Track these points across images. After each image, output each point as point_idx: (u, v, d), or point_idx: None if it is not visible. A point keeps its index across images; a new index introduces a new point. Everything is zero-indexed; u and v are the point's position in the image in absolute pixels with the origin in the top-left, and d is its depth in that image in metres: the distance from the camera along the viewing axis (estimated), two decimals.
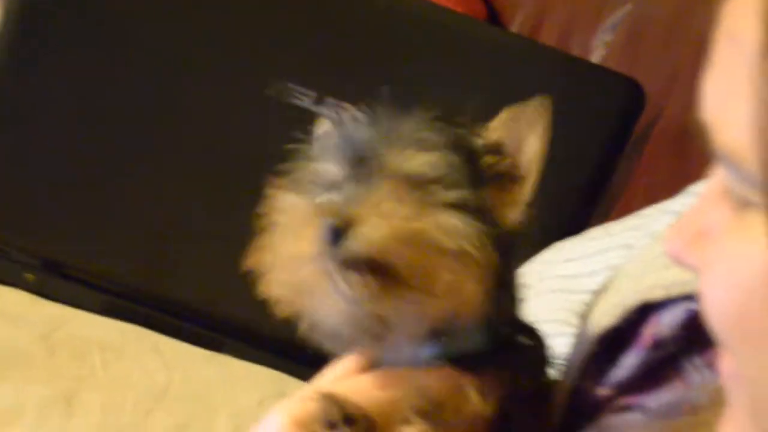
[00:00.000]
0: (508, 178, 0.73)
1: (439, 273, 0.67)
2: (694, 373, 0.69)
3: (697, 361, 0.69)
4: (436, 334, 0.71)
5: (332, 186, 0.71)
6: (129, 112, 1.58)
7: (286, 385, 1.44)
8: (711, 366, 0.68)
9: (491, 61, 1.55)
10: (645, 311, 0.71)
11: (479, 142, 0.73)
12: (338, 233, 0.65)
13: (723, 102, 0.43)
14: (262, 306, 1.62)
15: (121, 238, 1.60)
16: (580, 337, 0.77)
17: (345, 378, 0.74)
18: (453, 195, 0.69)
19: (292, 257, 0.69)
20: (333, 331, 0.70)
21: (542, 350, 0.76)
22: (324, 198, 0.70)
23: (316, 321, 0.71)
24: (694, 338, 0.69)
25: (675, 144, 1.43)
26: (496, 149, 0.73)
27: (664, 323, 0.69)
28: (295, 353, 1.53)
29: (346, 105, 1.51)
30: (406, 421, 0.71)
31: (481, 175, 0.71)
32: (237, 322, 1.59)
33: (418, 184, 0.69)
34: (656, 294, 0.69)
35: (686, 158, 1.35)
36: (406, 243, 0.66)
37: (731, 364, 0.48)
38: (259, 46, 1.56)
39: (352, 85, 1.51)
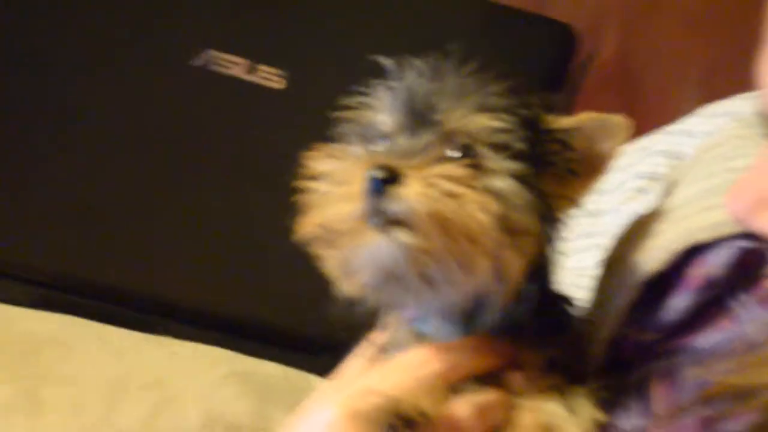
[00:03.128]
0: (567, 170, 0.71)
1: (479, 250, 0.65)
2: (742, 310, 0.69)
3: (744, 297, 0.69)
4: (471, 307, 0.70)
5: (384, 137, 0.69)
6: (47, 92, 1.49)
7: (242, 363, 1.40)
8: (761, 302, 0.68)
9: (417, 10, 1.52)
10: (690, 253, 0.70)
11: (548, 123, 0.70)
12: (383, 186, 0.64)
13: None
14: (195, 283, 1.57)
15: (44, 227, 1.52)
16: (613, 286, 0.76)
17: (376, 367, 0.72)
18: (510, 166, 0.67)
19: (336, 209, 0.67)
20: (374, 283, 0.68)
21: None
22: (374, 148, 0.68)
23: (357, 270, 0.68)
24: (743, 275, 0.69)
25: (613, 83, 1.44)
26: (566, 138, 0.70)
27: (715, 263, 0.69)
28: (236, 329, 1.50)
29: (278, 72, 1.48)
30: (456, 392, 0.70)
31: (541, 156, 0.69)
32: (172, 301, 1.53)
33: (476, 146, 0.67)
34: (704, 235, 0.69)
35: (626, 96, 1.36)
36: (446, 218, 0.64)
37: None
38: (186, 14, 1.50)
39: (283, 51, 1.48)
